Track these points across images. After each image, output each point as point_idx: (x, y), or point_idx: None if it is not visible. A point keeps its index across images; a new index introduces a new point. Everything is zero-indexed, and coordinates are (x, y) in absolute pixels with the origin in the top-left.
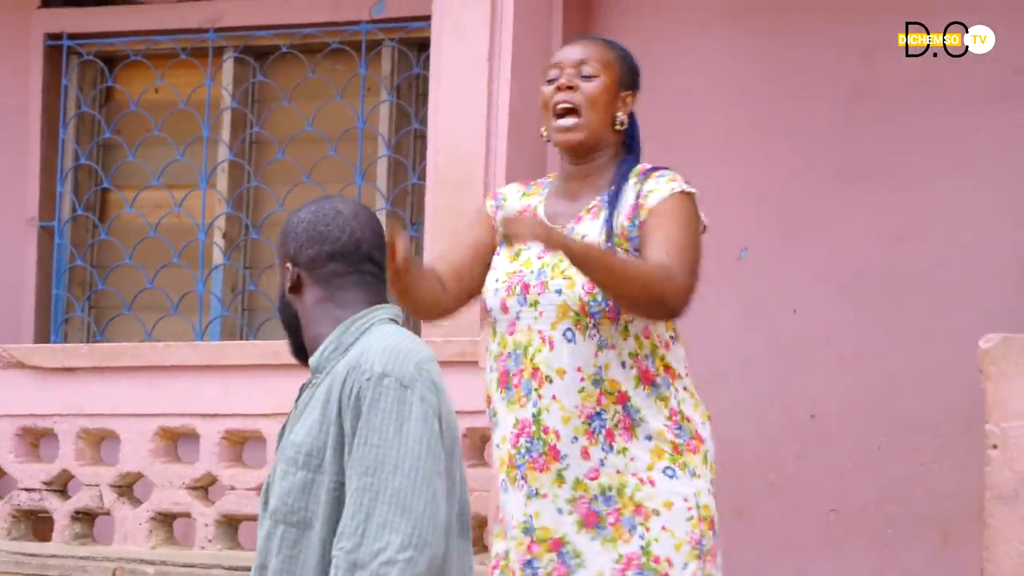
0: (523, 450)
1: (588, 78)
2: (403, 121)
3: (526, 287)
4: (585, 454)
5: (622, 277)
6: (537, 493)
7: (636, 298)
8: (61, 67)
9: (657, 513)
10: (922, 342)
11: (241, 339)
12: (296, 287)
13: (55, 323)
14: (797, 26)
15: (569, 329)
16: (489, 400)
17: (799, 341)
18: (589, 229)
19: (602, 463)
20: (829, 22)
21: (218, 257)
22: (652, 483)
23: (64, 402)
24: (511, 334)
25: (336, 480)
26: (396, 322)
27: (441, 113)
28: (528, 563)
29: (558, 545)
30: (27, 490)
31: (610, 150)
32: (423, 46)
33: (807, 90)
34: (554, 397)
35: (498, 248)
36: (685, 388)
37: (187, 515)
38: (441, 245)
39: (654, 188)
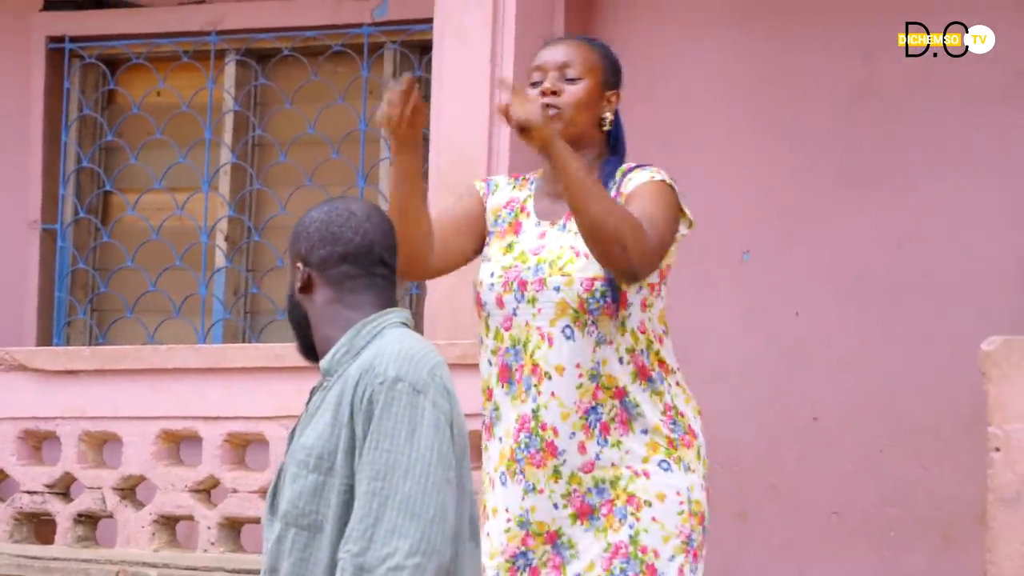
0: (523, 445)
1: (572, 80)
2: None
3: (523, 284)
4: (582, 448)
5: (601, 201)
6: (534, 488)
7: (604, 231)
8: (63, 70)
9: (649, 504)
10: (923, 344)
11: (243, 342)
12: (306, 287)
13: (57, 326)
14: (798, 28)
15: (568, 326)
16: (490, 394)
17: (800, 343)
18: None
19: (598, 456)
20: (830, 24)
21: (220, 260)
22: (647, 475)
23: (66, 405)
24: (507, 329)
25: (346, 483)
26: (407, 326)
27: (443, 116)
28: (523, 554)
29: (554, 538)
30: (29, 493)
31: (594, 150)
32: (425, 49)
33: (808, 92)
34: (553, 394)
35: (488, 238)
36: (677, 383)
37: (190, 518)
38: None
39: (632, 178)
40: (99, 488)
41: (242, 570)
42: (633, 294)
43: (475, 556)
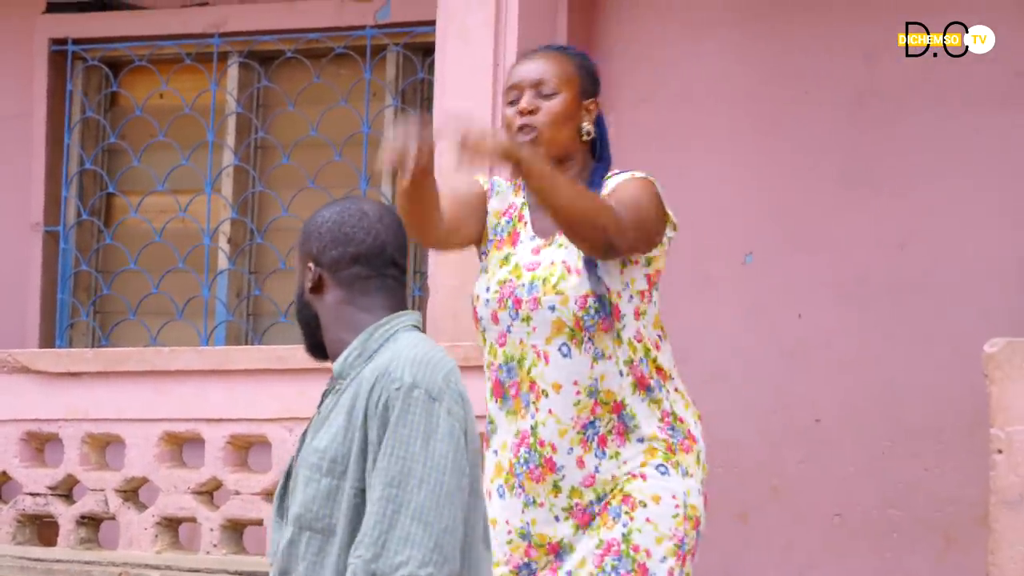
0: (522, 460)
1: (548, 96)
2: None
3: (518, 302)
4: (580, 463)
5: (566, 197)
6: (534, 502)
7: (576, 221)
8: (66, 72)
9: (644, 505)
10: (925, 345)
11: (246, 344)
12: (317, 288)
13: (60, 328)
14: (799, 29)
15: (565, 344)
16: (485, 407)
17: (802, 344)
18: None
19: (597, 470)
20: (831, 25)
21: (223, 262)
22: (643, 477)
23: (69, 407)
24: (501, 345)
25: (358, 487)
26: (418, 328)
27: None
28: (526, 565)
29: (556, 548)
30: (32, 495)
31: (578, 163)
32: (428, 51)
33: (809, 93)
34: (550, 411)
35: (487, 246)
36: (676, 389)
37: (192, 520)
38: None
39: (614, 178)
40: (102, 490)
41: (244, 572)
42: (625, 303)
43: (489, 561)
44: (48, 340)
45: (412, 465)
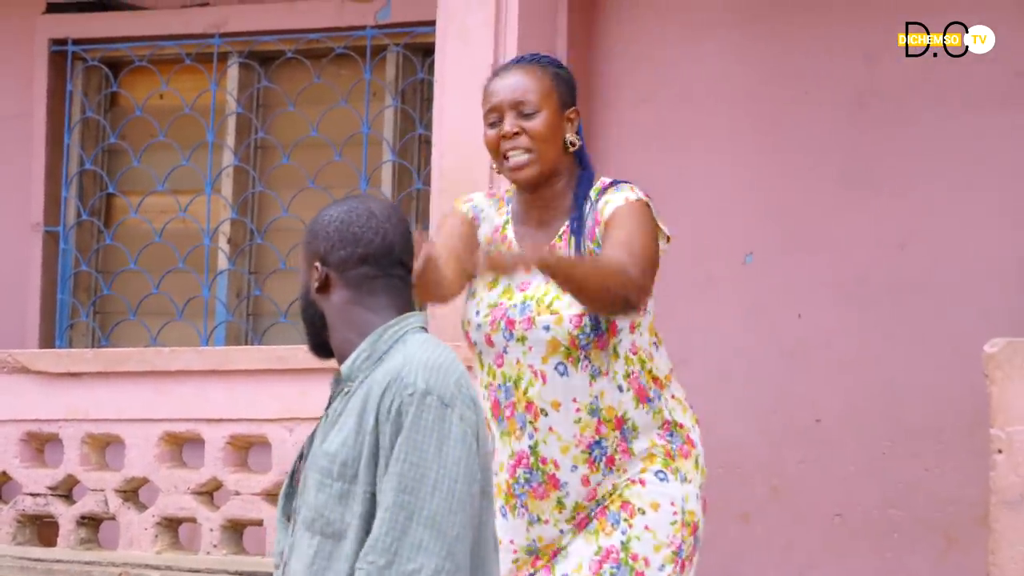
0: (521, 480)
1: (529, 116)
2: (408, 126)
3: (511, 323)
4: (585, 481)
5: (583, 282)
6: (539, 519)
7: (595, 298)
8: (66, 72)
9: (643, 512)
10: (925, 345)
11: (246, 344)
12: (324, 287)
13: (60, 328)
14: (800, 29)
15: (561, 363)
16: (488, 426)
17: (803, 345)
18: None
19: (600, 484)
20: (832, 26)
21: (223, 262)
22: (643, 483)
23: (69, 407)
24: (499, 366)
25: (369, 491)
26: (426, 330)
27: (446, 118)
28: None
29: (557, 552)
30: (32, 495)
31: (565, 175)
32: (428, 51)
33: (810, 93)
34: (551, 429)
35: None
36: (673, 396)
37: (192, 520)
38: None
39: (609, 199)
40: (102, 490)
41: (244, 572)
42: (621, 319)
43: (498, 565)
44: (48, 340)
45: (425, 471)
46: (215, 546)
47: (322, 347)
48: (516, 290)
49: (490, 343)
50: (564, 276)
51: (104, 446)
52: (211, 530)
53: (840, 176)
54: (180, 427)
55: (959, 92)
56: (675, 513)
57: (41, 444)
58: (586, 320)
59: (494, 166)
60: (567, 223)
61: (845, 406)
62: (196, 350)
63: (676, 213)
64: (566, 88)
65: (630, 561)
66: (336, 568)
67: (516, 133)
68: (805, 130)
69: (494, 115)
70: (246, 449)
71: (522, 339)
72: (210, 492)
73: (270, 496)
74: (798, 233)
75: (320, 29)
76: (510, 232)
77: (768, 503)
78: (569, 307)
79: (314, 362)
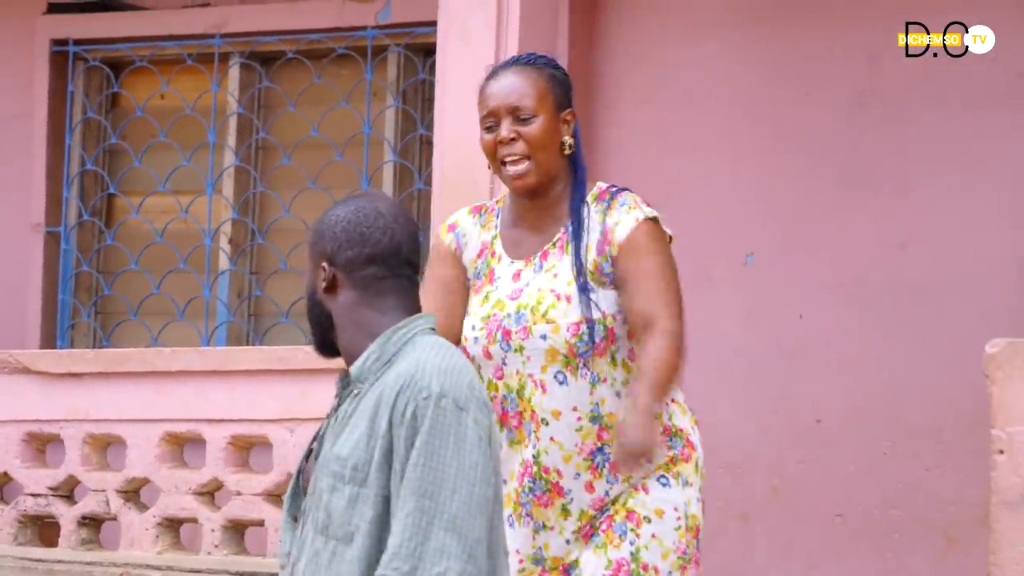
0: (527, 489)
1: (527, 120)
2: (409, 126)
3: (507, 333)
4: (589, 487)
5: (671, 377)
6: (544, 527)
7: (678, 374)
8: (67, 73)
9: (648, 520)
10: (925, 345)
11: (247, 344)
12: (331, 288)
13: (61, 328)
14: (801, 31)
15: (560, 372)
16: None
17: (803, 345)
18: (558, 265)
19: (607, 493)
20: (833, 26)
21: (224, 262)
22: (646, 490)
23: (70, 407)
24: (500, 378)
25: (380, 494)
26: (435, 331)
27: (447, 118)
28: None
29: (567, 568)
30: (33, 495)
31: (563, 176)
32: (429, 51)
33: (810, 94)
34: (552, 439)
35: (468, 282)
36: (672, 400)
37: (193, 520)
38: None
39: (619, 220)
40: (103, 491)
41: (246, 572)
42: (619, 326)
43: (507, 569)
44: (49, 341)
45: (444, 476)
46: (216, 546)
47: (328, 347)
48: (508, 300)
49: (488, 356)
50: (663, 392)
51: (105, 446)
52: (212, 530)
53: (840, 176)
54: (181, 427)
55: (959, 92)
56: (679, 519)
57: (42, 444)
58: (584, 328)
59: (490, 168)
60: (563, 230)
61: (846, 406)
62: (197, 350)
63: (677, 213)
64: (562, 90)
65: (641, 572)
66: (345, 570)
67: (513, 139)
68: (805, 130)
69: (490, 120)
70: (247, 449)
71: (519, 349)
72: (211, 492)
73: (271, 496)
74: (799, 233)
75: (321, 29)
76: (498, 246)
77: (768, 503)
78: (565, 315)
79: (315, 362)
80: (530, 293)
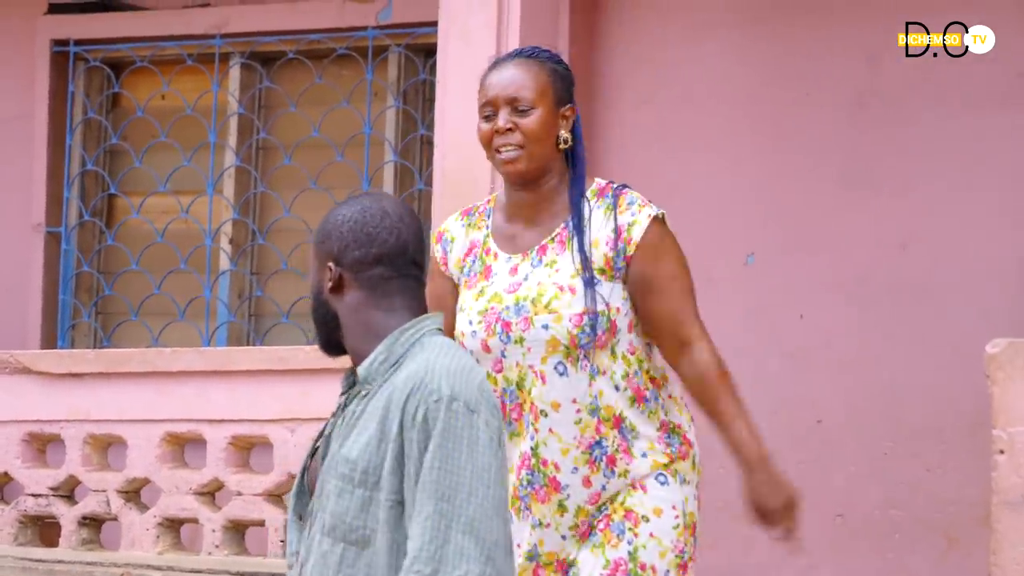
0: (525, 482)
1: (525, 112)
2: (410, 127)
3: (507, 325)
4: (586, 482)
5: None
6: (540, 523)
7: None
8: (68, 73)
9: (646, 520)
10: (926, 346)
11: (248, 345)
12: (337, 288)
13: (62, 329)
14: (801, 31)
15: (560, 363)
16: None
17: (804, 346)
18: (559, 260)
19: (604, 488)
20: (833, 26)
21: (225, 263)
22: (644, 489)
23: (71, 407)
24: (499, 372)
25: (394, 498)
26: (442, 332)
27: (447, 118)
28: None
29: (563, 566)
30: (34, 496)
31: (556, 170)
32: (429, 52)
33: (811, 95)
34: (551, 430)
35: (459, 285)
36: (669, 395)
37: (194, 521)
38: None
39: (633, 220)
40: (103, 491)
41: (246, 572)
42: (621, 318)
43: (514, 570)
44: (50, 341)
45: (459, 479)
46: (217, 547)
47: (334, 346)
48: (506, 293)
49: (487, 349)
50: (743, 407)
51: (106, 447)
52: (213, 531)
53: (841, 176)
54: (182, 428)
55: (959, 92)
56: (677, 517)
57: (43, 445)
58: (586, 319)
59: (487, 157)
60: (562, 225)
61: (846, 406)
62: (198, 351)
63: (677, 214)
64: (563, 85)
65: (639, 571)
66: (359, 574)
67: (510, 129)
68: (806, 131)
69: (489, 108)
70: (248, 450)
71: (520, 340)
72: (212, 493)
73: (272, 497)
74: (799, 234)
75: (322, 30)
76: (492, 243)
77: None
78: (569, 306)
79: (316, 363)
80: (530, 286)
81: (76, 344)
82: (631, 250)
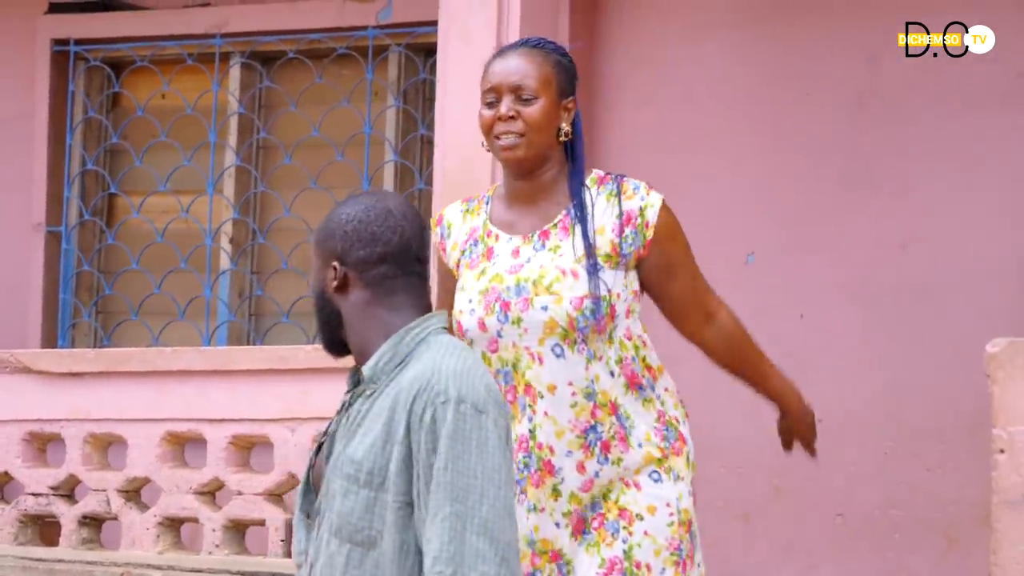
0: (521, 465)
1: (528, 101)
2: (410, 126)
3: (506, 305)
4: (580, 468)
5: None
6: (535, 508)
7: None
8: (68, 73)
9: (641, 518)
10: (926, 346)
11: (248, 344)
12: (342, 287)
13: (62, 328)
14: (801, 31)
15: (557, 345)
16: None
17: (804, 346)
18: (562, 245)
19: (596, 475)
20: (833, 26)
21: (225, 262)
22: (638, 487)
23: (71, 407)
24: (493, 351)
25: (402, 499)
26: (447, 331)
27: (448, 118)
28: (531, 575)
29: (557, 557)
30: (34, 495)
31: (555, 161)
32: (430, 51)
33: (811, 95)
34: (546, 413)
35: (459, 270)
36: (666, 388)
37: (194, 520)
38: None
39: (644, 204)
40: (104, 490)
41: (246, 572)
42: (620, 304)
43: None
44: (50, 340)
45: (471, 480)
46: (217, 546)
47: (338, 345)
48: (507, 274)
49: (483, 327)
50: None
51: (106, 446)
52: (213, 530)
53: (841, 176)
54: (182, 427)
55: (959, 92)
56: (671, 514)
57: (43, 444)
58: (587, 303)
59: (484, 144)
60: (564, 212)
61: (847, 406)
62: (198, 350)
63: (678, 214)
64: (566, 77)
65: (634, 570)
66: (373, 574)
67: (512, 117)
68: (806, 131)
69: (491, 95)
70: (248, 449)
71: (517, 321)
72: (212, 492)
73: (272, 496)
74: (799, 234)
75: (322, 29)
76: (492, 227)
77: (769, 503)
78: (571, 289)
79: (316, 362)
80: (532, 268)
81: (76, 343)
82: (650, 233)
